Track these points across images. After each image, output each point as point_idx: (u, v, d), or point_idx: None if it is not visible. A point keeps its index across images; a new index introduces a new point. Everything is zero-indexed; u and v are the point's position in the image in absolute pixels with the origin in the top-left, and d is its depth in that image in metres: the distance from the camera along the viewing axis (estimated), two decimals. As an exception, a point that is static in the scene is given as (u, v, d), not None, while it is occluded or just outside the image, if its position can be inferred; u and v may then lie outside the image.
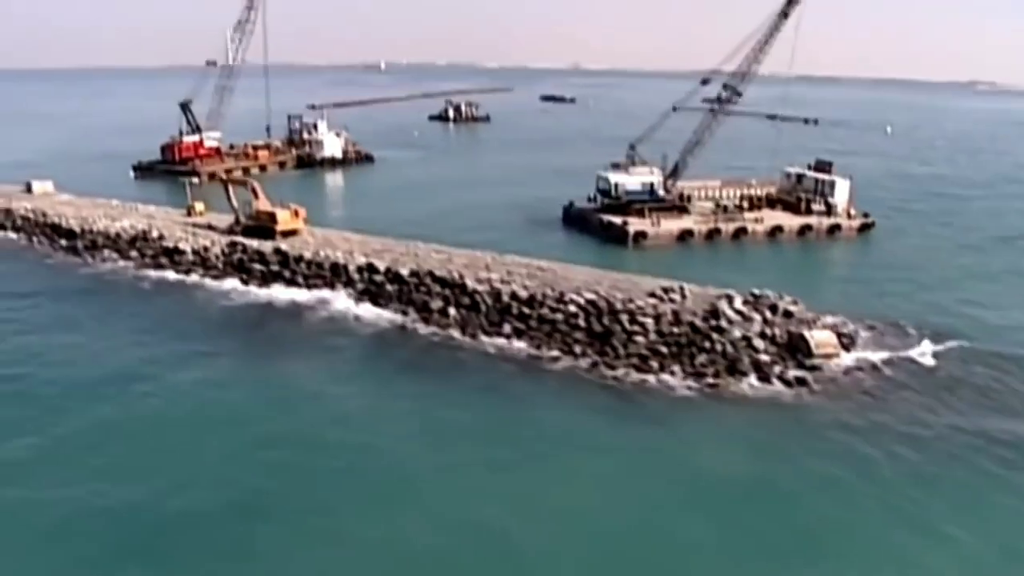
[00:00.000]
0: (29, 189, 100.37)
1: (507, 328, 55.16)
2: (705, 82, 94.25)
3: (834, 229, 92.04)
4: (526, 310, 56.31)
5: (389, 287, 61.21)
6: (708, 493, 37.64)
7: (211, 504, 35.47)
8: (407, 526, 34.45)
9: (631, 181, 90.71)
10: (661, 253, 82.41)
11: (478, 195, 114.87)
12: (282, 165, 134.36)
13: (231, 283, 66.29)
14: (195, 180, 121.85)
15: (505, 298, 57.40)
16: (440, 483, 37.78)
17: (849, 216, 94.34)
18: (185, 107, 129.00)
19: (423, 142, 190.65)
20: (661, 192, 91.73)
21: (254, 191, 74.92)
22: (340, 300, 61.21)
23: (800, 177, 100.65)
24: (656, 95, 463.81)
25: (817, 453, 41.09)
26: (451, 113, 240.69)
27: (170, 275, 69.38)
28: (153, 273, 70.29)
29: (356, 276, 63.09)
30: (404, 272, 61.87)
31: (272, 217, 72.59)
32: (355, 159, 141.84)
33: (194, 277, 68.40)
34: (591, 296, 56.81)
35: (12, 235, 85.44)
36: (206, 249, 71.45)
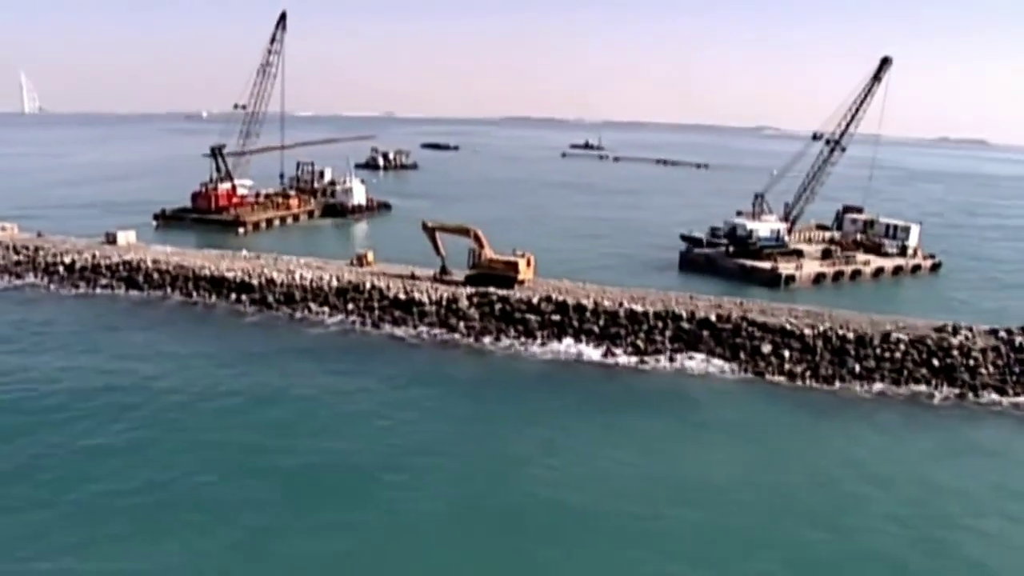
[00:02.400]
0: (112, 240, 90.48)
1: (856, 368, 58.31)
2: (816, 137, 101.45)
3: (915, 268, 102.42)
4: (861, 351, 59.72)
5: (705, 333, 62.28)
6: None
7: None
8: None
9: (763, 228, 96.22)
10: (806, 293, 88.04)
11: (540, 241, 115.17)
12: (311, 214, 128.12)
13: (507, 340, 64.12)
14: (240, 231, 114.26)
15: (835, 340, 60.51)
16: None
17: (923, 257, 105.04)
18: (217, 152, 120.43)
19: (388, 189, 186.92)
20: (786, 238, 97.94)
21: (477, 239, 73.09)
22: (651, 349, 61.45)
23: (871, 223, 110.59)
24: (511, 141, 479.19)
25: None
26: (380, 161, 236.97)
27: (430, 331, 65.94)
28: (398, 330, 66.38)
29: (659, 324, 63.54)
30: (711, 317, 63.26)
31: (513, 266, 71.15)
32: (375, 207, 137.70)
33: (444, 332, 65.81)
34: (908, 335, 61.21)
35: (155, 292, 76.66)
36: (451, 301, 68.61)
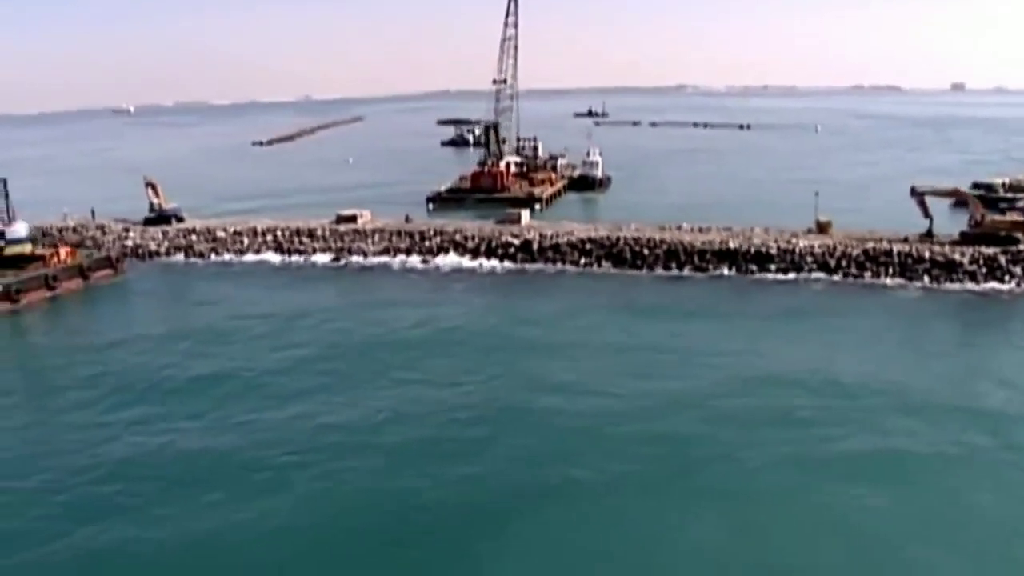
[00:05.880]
0: (518, 220, 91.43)
1: None
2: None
3: None
4: None
5: None
6: None
7: None
8: None
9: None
10: None
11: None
12: (564, 188, 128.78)
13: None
14: (536, 207, 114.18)
15: None
16: None
17: None
18: (492, 130, 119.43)
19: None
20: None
21: (975, 202, 77.95)
22: None
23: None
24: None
25: None
26: (470, 139, 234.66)
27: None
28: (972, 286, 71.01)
29: None
30: None
31: (1021, 226, 76.11)
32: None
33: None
34: None
35: (657, 267, 78.34)
36: (989, 259, 73.07)
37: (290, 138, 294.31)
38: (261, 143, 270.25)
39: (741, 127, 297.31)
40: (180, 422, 47.02)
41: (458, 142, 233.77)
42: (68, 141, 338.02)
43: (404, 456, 41.98)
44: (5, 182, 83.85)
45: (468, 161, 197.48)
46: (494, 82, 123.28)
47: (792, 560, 33.00)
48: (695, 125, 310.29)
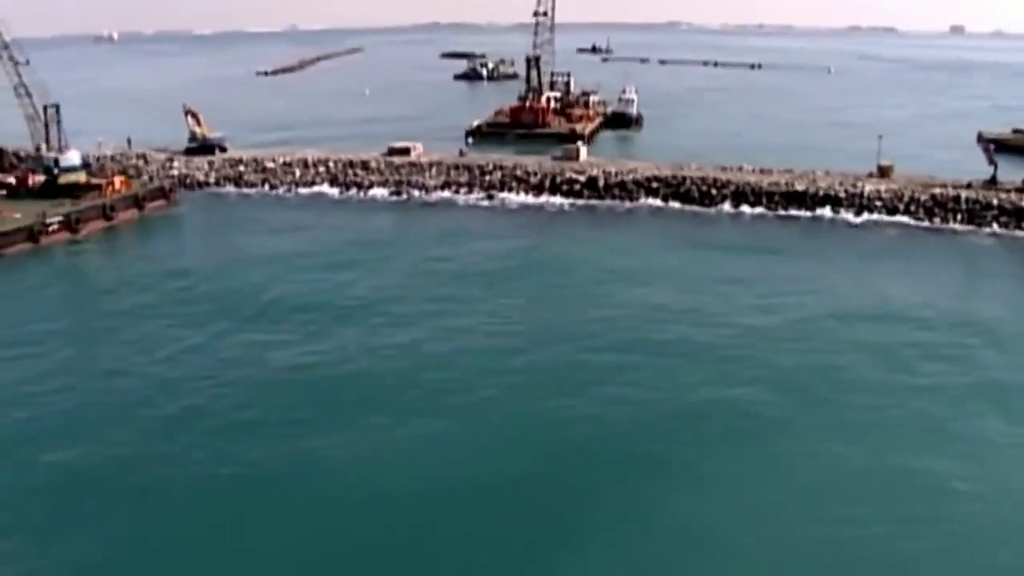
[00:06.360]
0: (576, 156, 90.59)
1: None
2: None
3: None
4: None
5: None
6: None
7: None
8: None
9: None
10: None
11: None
12: (600, 126, 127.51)
13: None
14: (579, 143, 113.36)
15: None
16: None
17: None
18: (533, 63, 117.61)
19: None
20: None
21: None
22: None
23: None
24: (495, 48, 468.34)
25: None
26: (483, 72, 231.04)
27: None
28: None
29: None
30: None
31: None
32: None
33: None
34: None
35: (721, 205, 78.47)
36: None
37: (291, 69, 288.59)
38: (265, 73, 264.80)
39: (752, 67, 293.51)
40: (299, 348, 47.29)
41: (471, 76, 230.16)
42: (57, 69, 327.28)
43: (542, 384, 42.63)
44: (58, 108, 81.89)
45: (484, 95, 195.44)
46: (535, 14, 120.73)
47: (948, 484, 34.24)
48: (704, 64, 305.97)
